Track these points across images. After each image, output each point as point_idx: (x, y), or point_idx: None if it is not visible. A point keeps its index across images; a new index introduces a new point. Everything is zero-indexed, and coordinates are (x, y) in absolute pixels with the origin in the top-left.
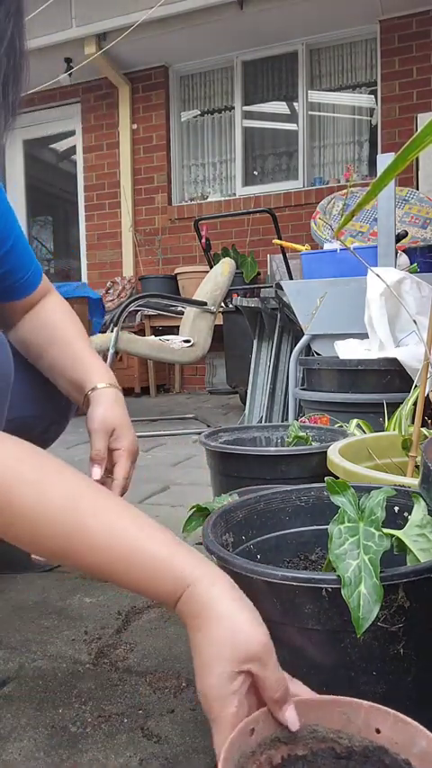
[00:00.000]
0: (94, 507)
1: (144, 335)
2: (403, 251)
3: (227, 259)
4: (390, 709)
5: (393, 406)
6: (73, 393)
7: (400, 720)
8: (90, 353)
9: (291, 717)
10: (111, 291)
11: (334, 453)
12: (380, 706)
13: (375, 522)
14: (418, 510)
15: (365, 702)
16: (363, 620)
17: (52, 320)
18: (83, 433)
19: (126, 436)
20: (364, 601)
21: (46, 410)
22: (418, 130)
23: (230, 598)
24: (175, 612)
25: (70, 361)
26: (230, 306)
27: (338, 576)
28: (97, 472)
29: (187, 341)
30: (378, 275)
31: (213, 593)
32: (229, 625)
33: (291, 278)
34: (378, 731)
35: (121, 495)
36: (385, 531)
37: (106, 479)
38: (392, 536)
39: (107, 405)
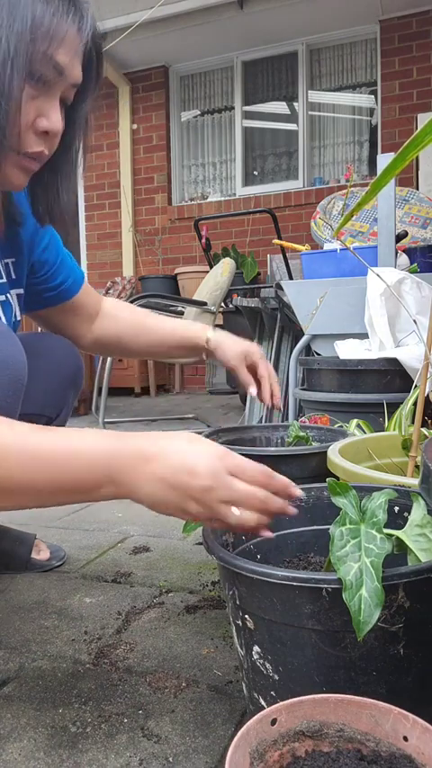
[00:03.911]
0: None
1: None
2: (403, 251)
3: (227, 259)
4: (419, 719)
5: (393, 406)
6: (185, 354)
7: (428, 731)
8: (176, 321)
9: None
10: (111, 291)
11: (334, 453)
12: (408, 714)
13: (377, 525)
14: (418, 510)
15: (395, 708)
16: (363, 623)
17: (130, 315)
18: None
19: (254, 351)
20: (365, 604)
21: (45, 408)
22: (418, 130)
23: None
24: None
25: (169, 334)
26: (230, 306)
27: (340, 578)
28: (254, 390)
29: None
30: (378, 275)
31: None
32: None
33: (291, 278)
34: (406, 739)
35: (276, 392)
36: (386, 531)
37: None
38: (393, 536)
39: (228, 342)
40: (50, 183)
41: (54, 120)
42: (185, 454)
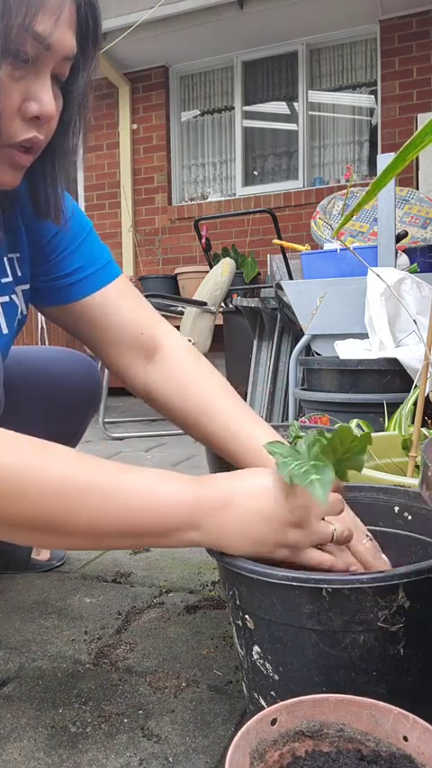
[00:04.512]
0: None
1: None
2: (403, 251)
3: (227, 259)
4: (419, 719)
5: (393, 406)
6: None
7: (429, 731)
8: (247, 432)
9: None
10: None
11: None
12: (408, 714)
13: (318, 456)
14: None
15: (395, 708)
16: (323, 495)
17: (190, 380)
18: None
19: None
20: (320, 483)
21: (53, 430)
22: (418, 130)
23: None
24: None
25: (230, 449)
26: (230, 306)
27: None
28: None
29: (188, 341)
30: (378, 275)
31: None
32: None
33: (291, 278)
34: (406, 739)
35: None
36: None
37: None
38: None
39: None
40: (48, 169)
41: (45, 102)
42: (267, 487)
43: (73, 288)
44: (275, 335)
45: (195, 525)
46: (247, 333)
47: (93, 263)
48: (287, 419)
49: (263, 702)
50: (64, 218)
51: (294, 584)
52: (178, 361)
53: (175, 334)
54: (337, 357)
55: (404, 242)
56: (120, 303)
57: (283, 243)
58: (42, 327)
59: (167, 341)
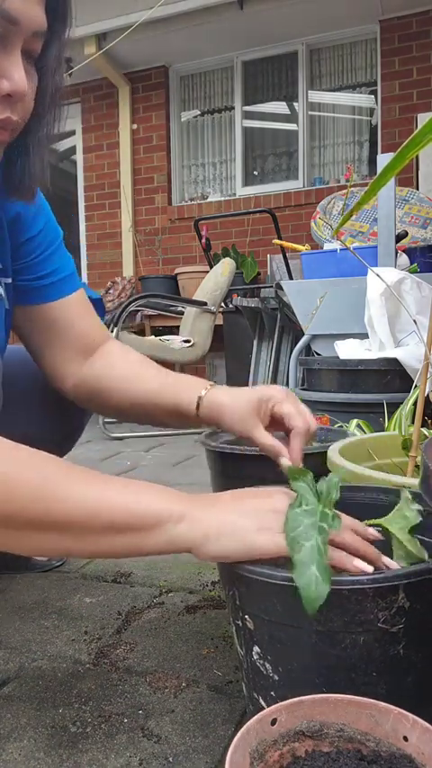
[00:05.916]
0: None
1: (144, 335)
2: (403, 251)
3: (227, 259)
4: (419, 719)
5: (393, 406)
6: (177, 424)
7: (428, 731)
8: (172, 375)
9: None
10: (111, 291)
11: (334, 453)
12: (408, 714)
13: (331, 503)
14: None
15: (395, 708)
16: (316, 599)
17: (127, 362)
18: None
19: (271, 394)
20: (316, 581)
21: (54, 428)
22: (417, 130)
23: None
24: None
25: (155, 392)
26: (230, 306)
27: (292, 560)
28: (285, 461)
29: (187, 341)
30: (378, 275)
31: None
32: None
33: (291, 278)
34: (406, 739)
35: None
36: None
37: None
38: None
39: (230, 396)
40: (21, 148)
41: (16, 79)
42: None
43: (45, 290)
44: (275, 335)
45: (181, 516)
46: (247, 333)
47: (65, 269)
48: None
49: (263, 702)
50: (33, 197)
51: (294, 584)
52: (119, 354)
53: (118, 342)
54: (337, 357)
55: (404, 242)
56: (81, 312)
57: (283, 243)
58: None
59: (111, 344)
